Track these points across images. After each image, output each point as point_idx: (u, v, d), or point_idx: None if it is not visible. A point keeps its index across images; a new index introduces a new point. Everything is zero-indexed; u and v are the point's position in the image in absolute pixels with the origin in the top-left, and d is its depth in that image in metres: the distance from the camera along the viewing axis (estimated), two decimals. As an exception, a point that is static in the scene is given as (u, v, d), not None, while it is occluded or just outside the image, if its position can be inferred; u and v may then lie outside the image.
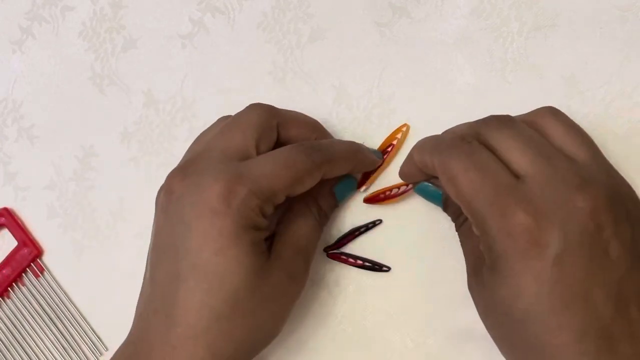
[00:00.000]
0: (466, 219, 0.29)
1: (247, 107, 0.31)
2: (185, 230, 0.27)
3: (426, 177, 0.30)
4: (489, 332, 0.27)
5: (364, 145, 0.33)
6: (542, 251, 0.23)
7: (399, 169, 0.32)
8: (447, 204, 0.31)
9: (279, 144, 0.31)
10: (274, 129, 0.31)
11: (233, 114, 0.38)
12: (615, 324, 0.23)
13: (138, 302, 0.30)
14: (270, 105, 0.31)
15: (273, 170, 0.28)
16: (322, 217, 0.32)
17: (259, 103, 0.31)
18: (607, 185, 0.24)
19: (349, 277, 0.34)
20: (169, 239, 0.28)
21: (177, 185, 0.28)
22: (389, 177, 0.34)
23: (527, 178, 0.25)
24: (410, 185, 0.32)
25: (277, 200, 0.28)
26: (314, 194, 0.32)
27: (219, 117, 0.39)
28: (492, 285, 0.25)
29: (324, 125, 0.34)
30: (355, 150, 0.32)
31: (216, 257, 0.26)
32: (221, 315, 0.26)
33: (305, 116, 0.33)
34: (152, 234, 0.30)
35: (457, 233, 0.30)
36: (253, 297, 0.27)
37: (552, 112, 0.27)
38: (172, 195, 0.28)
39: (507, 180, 0.25)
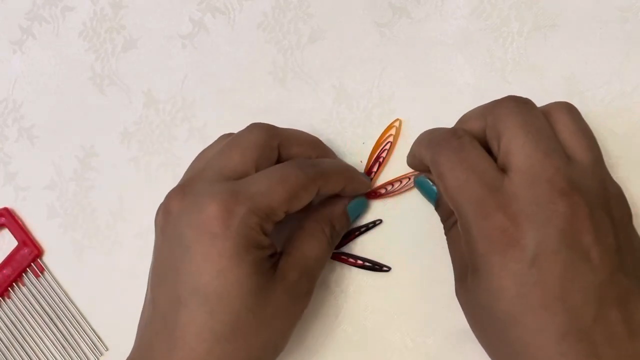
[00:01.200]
0: (454, 222, 0.29)
1: (247, 127, 0.31)
2: (184, 253, 0.27)
3: (427, 169, 0.30)
4: (477, 338, 0.28)
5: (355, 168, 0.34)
6: (520, 253, 0.23)
7: (400, 163, 0.32)
8: (439, 203, 0.30)
9: (280, 163, 0.31)
10: (275, 149, 0.30)
11: (233, 114, 0.38)
12: (597, 327, 0.23)
13: (139, 323, 0.29)
14: (271, 125, 0.31)
15: (269, 186, 0.27)
16: (334, 237, 0.32)
17: (259, 123, 0.31)
18: (594, 193, 0.24)
19: (349, 277, 0.34)
20: (168, 261, 0.28)
21: (174, 205, 0.28)
22: (389, 174, 0.34)
23: (516, 174, 0.25)
24: (411, 179, 0.33)
25: (276, 217, 0.28)
26: (327, 213, 0.32)
27: (219, 116, 0.39)
28: (475, 289, 0.25)
29: (324, 125, 0.34)
30: (347, 167, 0.33)
31: (217, 280, 0.26)
32: (223, 338, 0.26)
33: (306, 134, 0.33)
34: (153, 253, 0.29)
35: (445, 237, 0.30)
36: (255, 318, 0.27)
37: (568, 109, 0.27)
38: (169, 215, 0.28)
39: (492, 180, 0.25)
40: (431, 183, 0.30)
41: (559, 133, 0.26)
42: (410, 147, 0.31)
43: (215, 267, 0.26)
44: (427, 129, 0.30)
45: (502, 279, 0.24)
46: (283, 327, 0.29)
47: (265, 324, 0.27)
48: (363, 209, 0.34)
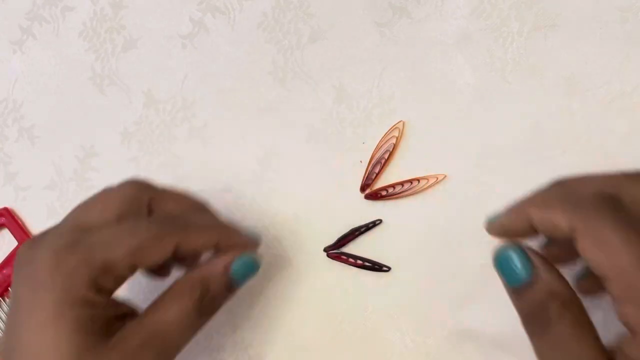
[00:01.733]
0: (559, 315, 0.23)
1: (122, 181, 0.29)
2: (15, 303, 0.25)
3: (529, 233, 0.25)
4: None
5: (241, 226, 0.30)
6: None
7: (402, 165, 0.31)
8: (529, 287, 0.24)
9: None
10: (144, 204, 0.28)
11: (233, 114, 0.38)
12: None
13: None
14: (146, 182, 0.29)
15: (112, 237, 0.25)
16: (206, 301, 0.27)
17: (134, 178, 0.29)
18: None
19: (349, 277, 0.34)
20: (9, 310, 0.26)
21: (22, 255, 0.26)
22: (390, 177, 0.34)
23: None
24: (413, 183, 0.33)
25: (117, 271, 0.25)
26: (201, 273, 0.28)
27: (219, 116, 0.39)
28: None
29: (324, 125, 0.34)
30: (222, 224, 0.29)
31: (36, 336, 0.24)
32: None
33: (188, 194, 0.31)
34: None
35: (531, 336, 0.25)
36: None
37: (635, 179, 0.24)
38: (15, 265, 0.26)
39: None
40: (523, 260, 0.24)
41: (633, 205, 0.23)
42: (410, 149, 0.31)
43: (37, 321, 0.24)
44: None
45: None
46: None
47: None
48: (251, 269, 0.29)
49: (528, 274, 0.24)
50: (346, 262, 0.34)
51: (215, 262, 0.28)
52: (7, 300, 0.42)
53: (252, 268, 0.29)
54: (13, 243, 0.42)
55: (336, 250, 0.34)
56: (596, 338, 0.22)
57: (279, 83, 0.37)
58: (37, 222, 0.43)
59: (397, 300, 0.33)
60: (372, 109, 0.35)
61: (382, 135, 0.34)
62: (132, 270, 0.26)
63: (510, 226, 0.25)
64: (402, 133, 0.34)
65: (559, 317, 0.23)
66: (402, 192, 0.33)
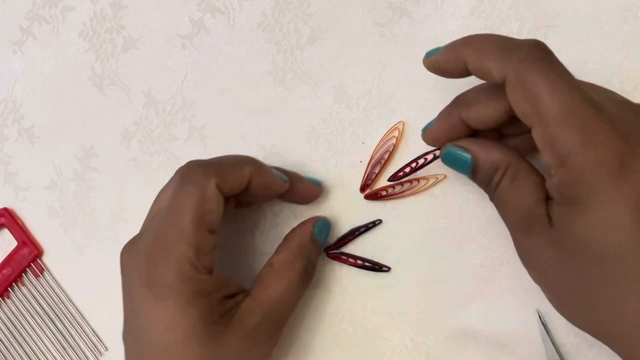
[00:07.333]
0: (500, 179, 0.26)
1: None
2: (137, 310, 0.28)
3: (463, 74, 0.26)
4: (553, 290, 0.26)
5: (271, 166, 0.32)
6: (636, 177, 0.22)
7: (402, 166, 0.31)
8: (476, 169, 0.27)
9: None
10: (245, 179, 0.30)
11: (233, 114, 0.38)
12: None
13: None
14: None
15: (177, 220, 0.28)
16: (308, 270, 0.31)
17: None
18: None
19: (349, 277, 0.34)
20: (129, 315, 0.29)
21: (125, 261, 0.29)
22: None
23: (602, 103, 0.23)
24: (413, 183, 0.33)
25: (205, 246, 0.28)
26: (295, 245, 0.31)
27: (219, 116, 0.39)
28: (573, 226, 0.23)
29: (324, 125, 0.34)
30: (251, 158, 0.31)
31: (166, 334, 0.27)
32: None
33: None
34: None
35: (492, 202, 0.28)
36: None
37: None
38: (123, 271, 0.29)
39: (593, 103, 0.22)
40: (461, 152, 0.28)
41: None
42: (410, 149, 0.31)
43: (163, 324, 0.27)
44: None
45: (616, 207, 0.22)
46: None
47: None
48: (328, 228, 0.34)
49: (468, 158, 0.27)
50: (346, 262, 0.34)
51: (300, 232, 0.32)
52: (6, 300, 0.42)
53: (329, 229, 0.33)
54: (13, 243, 0.42)
55: (336, 250, 0.34)
56: (536, 185, 0.25)
57: (278, 83, 0.37)
58: (37, 222, 0.43)
59: (397, 300, 0.33)
60: (372, 109, 0.35)
61: (382, 135, 0.34)
62: (212, 237, 0.28)
63: (445, 64, 0.27)
64: (402, 133, 0.34)
65: (500, 180, 0.26)
66: (402, 192, 0.33)
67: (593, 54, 0.31)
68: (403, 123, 0.34)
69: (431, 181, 0.33)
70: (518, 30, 0.33)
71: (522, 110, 0.23)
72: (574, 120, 0.22)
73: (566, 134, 0.22)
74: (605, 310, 0.23)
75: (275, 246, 0.33)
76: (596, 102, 0.23)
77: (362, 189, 0.34)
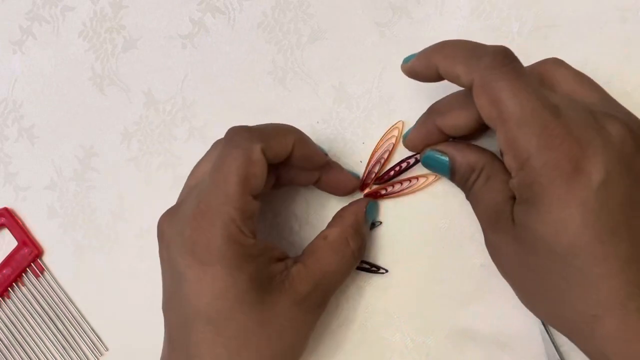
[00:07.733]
0: (476, 180, 0.28)
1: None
2: (181, 279, 0.27)
3: (436, 78, 0.28)
4: (517, 284, 0.27)
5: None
6: (587, 179, 0.23)
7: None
8: (454, 171, 0.29)
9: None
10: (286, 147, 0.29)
11: (233, 114, 0.38)
12: None
13: (164, 342, 0.30)
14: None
15: (224, 183, 0.27)
16: (362, 248, 0.31)
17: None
18: (626, 118, 0.25)
19: (348, 278, 0.34)
20: (170, 285, 0.28)
21: (165, 230, 0.29)
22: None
23: (562, 109, 0.24)
24: (412, 181, 0.33)
25: (249, 209, 0.27)
26: (352, 222, 0.31)
27: (219, 116, 0.39)
28: (530, 224, 0.24)
29: (324, 125, 0.34)
30: (294, 128, 0.31)
31: (217, 301, 0.26)
32: (234, 352, 0.26)
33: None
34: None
35: (467, 200, 0.30)
36: (264, 331, 0.27)
37: (558, 62, 0.28)
38: (162, 241, 0.29)
39: (552, 108, 0.24)
40: (440, 155, 0.30)
41: (559, 86, 0.27)
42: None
43: (212, 290, 0.26)
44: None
45: (568, 208, 0.23)
46: (295, 338, 0.29)
47: (276, 335, 0.27)
48: (377, 210, 0.34)
49: (446, 161, 0.29)
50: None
51: (356, 209, 0.32)
52: (7, 300, 0.42)
53: (376, 209, 0.33)
54: (13, 243, 0.42)
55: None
56: (506, 185, 0.26)
57: (279, 83, 0.37)
58: (37, 222, 0.43)
59: (397, 300, 0.33)
60: (372, 109, 0.35)
61: (382, 135, 0.34)
62: (258, 199, 0.28)
63: (419, 69, 0.28)
64: (401, 133, 0.34)
65: (475, 180, 0.28)
66: (402, 190, 0.33)
67: (593, 54, 0.31)
68: (403, 123, 0.34)
69: (430, 179, 0.33)
70: (518, 30, 0.33)
71: (487, 114, 0.25)
72: (533, 124, 0.23)
73: (526, 138, 0.24)
74: (561, 305, 0.25)
75: None
76: (556, 107, 0.24)
77: (362, 189, 0.34)
